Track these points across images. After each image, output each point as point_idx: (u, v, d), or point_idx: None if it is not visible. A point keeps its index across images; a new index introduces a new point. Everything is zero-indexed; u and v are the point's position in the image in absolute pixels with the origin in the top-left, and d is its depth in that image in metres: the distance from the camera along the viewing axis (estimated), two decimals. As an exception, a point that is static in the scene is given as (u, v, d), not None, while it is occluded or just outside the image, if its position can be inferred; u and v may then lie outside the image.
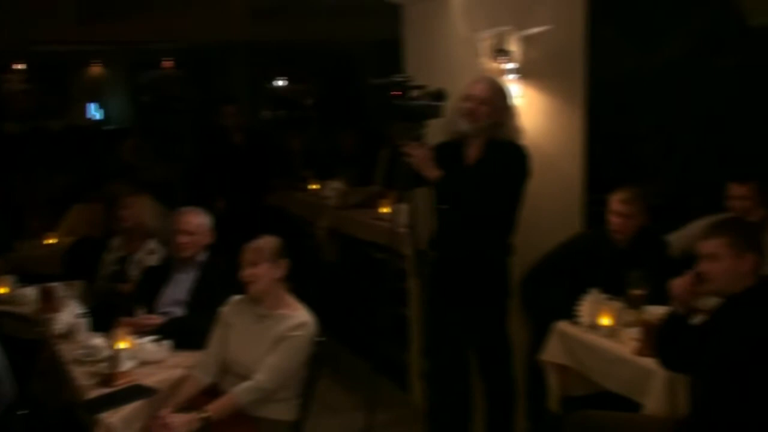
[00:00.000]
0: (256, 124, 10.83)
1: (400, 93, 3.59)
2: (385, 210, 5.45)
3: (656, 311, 3.30)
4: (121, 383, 3.20)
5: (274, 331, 3.23)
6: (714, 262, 2.76)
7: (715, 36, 6.07)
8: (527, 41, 4.10)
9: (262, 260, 3.25)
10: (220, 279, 3.76)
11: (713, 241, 2.77)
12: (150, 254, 4.58)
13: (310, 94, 12.57)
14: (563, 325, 3.67)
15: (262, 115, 12.36)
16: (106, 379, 3.22)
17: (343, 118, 9.96)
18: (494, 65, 4.11)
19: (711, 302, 2.93)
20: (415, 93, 3.62)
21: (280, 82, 12.99)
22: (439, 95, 3.62)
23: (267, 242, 3.32)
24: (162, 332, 3.58)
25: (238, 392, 3.14)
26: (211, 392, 3.25)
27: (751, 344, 2.64)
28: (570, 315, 3.64)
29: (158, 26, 8.49)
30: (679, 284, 2.87)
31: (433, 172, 3.64)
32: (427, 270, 3.87)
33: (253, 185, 6.54)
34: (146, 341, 3.48)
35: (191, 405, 3.15)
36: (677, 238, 4.14)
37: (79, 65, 12.61)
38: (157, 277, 4.06)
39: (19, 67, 12.22)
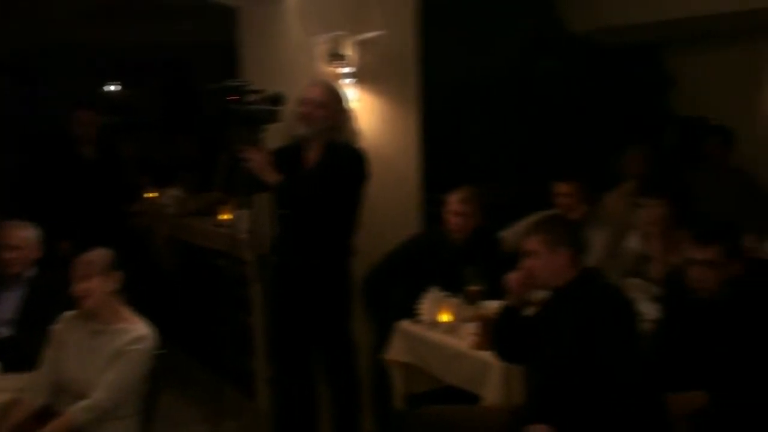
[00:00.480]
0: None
1: (237, 97, 3.56)
2: (225, 216, 5.36)
3: (492, 306, 3.44)
4: (-58, 412, 2.99)
5: (111, 347, 3.11)
6: (534, 258, 2.93)
7: (539, 41, 6.41)
8: (362, 46, 4.18)
9: (94, 274, 3.12)
10: (50, 295, 3.58)
11: (531, 238, 2.96)
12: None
13: (145, 99, 12.16)
14: (405, 324, 3.76)
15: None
16: (-74, 409, 3.00)
17: (180, 124, 9.72)
18: (330, 69, 4.16)
19: (541, 295, 3.09)
20: (252, 97, 3.59)
21: (113, 87, 12.49)
22: (277, 99, 3.62)
23: (98, 255, 3.20)
24: (-12, 354, 3.38)
25: (75, 412, 3.01)
26: (45, 415, 3.09)
27: (575, 333, 2.81)
28: (411, 313, 3.73)
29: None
30: (512, 278, 3.01)
31: (272, 177, 3.63)
32: (269, 275, 3.86)
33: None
34: (-30, 365, 3.27)
35: (23, 430, 2.99)
36: (509, 235, 4.35)
37: None
38: (-20, 296, 3.81)
39: None
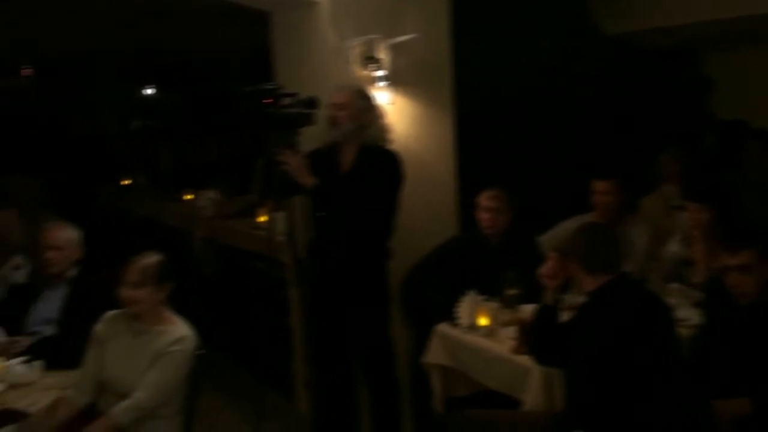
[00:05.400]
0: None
1: (272, 101, 3.59)
2: (262, 219, 5.40)
3: (530, 309, 3.42)
4: (-10, 409, 3.04)
5: (153, 347, 3.14)
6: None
7: (573, 43, 6.37)
8: (395, 49, 4.19)
9: (147, 283, 3.13)
10: (92, 295, 3.63)
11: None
12: (15, 270, 4.38)
13: (180, 102, 12.28)
14: (443, 327, 3.75)
15: (132, 125, 11.99)
16: (-27, 405, 3.05)
17: (215, 127, 9.81)
18: (364, 73, 4.17)
19: (577, 299, 3.08)
20: (287, 101, 3.62)
21: (149, 91, 12.63)
22: (311, 103, 3.64)
23: (153, 263, 3.18)
24: (32, 353, 3.42)
25: (118, 412, 3.04)
26: (89, 413, 3.13)
27: (611, 338, 2.79)
28: (449, 317, 3.73)
29: (16, 32, 8.11)
30: (547, 266, 3.01)
31: (308, 180, 3.65)
32: (307, 278, 3.87)
33: None
34: (15, 363, 3.31)
35: (67, 428, 3.04)
36: (549, 238, 4.32)
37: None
38: (24, 295, 3.88)
39: None
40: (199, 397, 3.26)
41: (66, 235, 3.85)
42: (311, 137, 3.79)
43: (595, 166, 4.81)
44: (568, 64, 6.37)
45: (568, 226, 4.09)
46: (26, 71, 12.41)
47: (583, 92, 6.30)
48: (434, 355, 3.76)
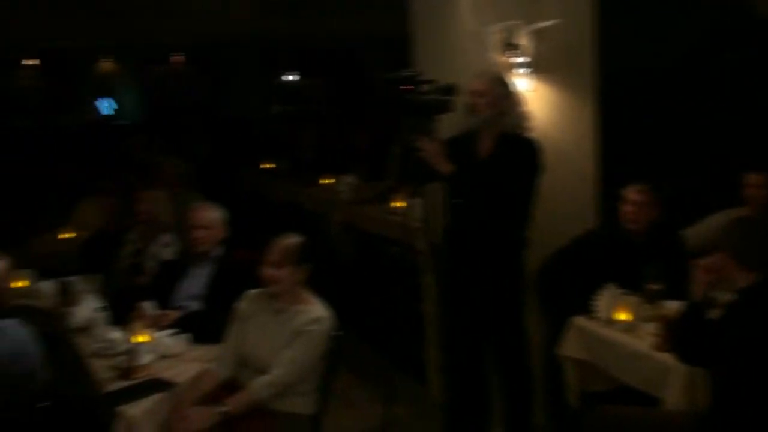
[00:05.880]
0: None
1: (411, 88, 3.60)
2: (398, 205, 5.45)
3: (673, 306, 3.29)
4: (140, 377, 3.21)
5: (291, 326, 3.23)
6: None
7: (724, 29, 6.04)
8: (537, 35, 4.09)
9: (287, 263, 3.23)
10: (235, 274, 3.77)
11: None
12: (165, 247, 4.61)
13: (321, 88, 12.56)
14: (580, 320, 3.67)
15: (273, 110, 12.37)
16: (125, 373, 3.23)
17: (354, 113, 9.96)
18: (503, 59, 4.11)
19: (727, 296, 2.93)
20: (425, 87, 3.62)
21: (291, 77, 12.98)
22: (449, 90, 3.63)
23: (294, 244, 3.28)
24: (179, 326, 3.60)
25: (256, 386, 3.15)
26: (229, 386, 3.25)
27: (764, 336, 2.64)
28: (587, 309, 3.64)
29: (168, 22, 8.51)
30: (710, 260, 2.89)
31: (445, 167, 3.64)
32: (442, 265, 3.87)
33: None
34: (164, 335, 3.49)
35: (210, 399, 3.16)
36: (694, 233, 4.14)
37: (90, 61, 12.61)
38: (173, 271, 4.07)
39: (31, 62, 12.24)
40: (335, 376, 3.32)
41: (212, 216, 4.02)
42: (449, 124, 3.78)
43: (747, 158, 4.56)
44: (721, 49, 6.05)
45: (716, 221, 3.90)
46: (177, 58, 13.04)
47: (737, 79, 5.96)
48: (569, 347, 3.68)
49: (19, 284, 4.35)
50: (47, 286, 4.40)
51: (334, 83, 12.21)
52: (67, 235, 5.89)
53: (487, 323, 3.81)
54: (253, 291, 3.39)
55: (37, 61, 12.24)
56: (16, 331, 2.86)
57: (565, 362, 3.71)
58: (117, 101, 13.05)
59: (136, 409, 2.99)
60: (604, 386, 3.61)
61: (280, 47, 11.59)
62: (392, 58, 4.65)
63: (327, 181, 6.90)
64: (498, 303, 3.77)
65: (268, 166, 8.30)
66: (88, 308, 3.83)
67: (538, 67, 4.14)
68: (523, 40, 4.10)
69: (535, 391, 4.00)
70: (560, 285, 4.05)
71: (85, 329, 3.72)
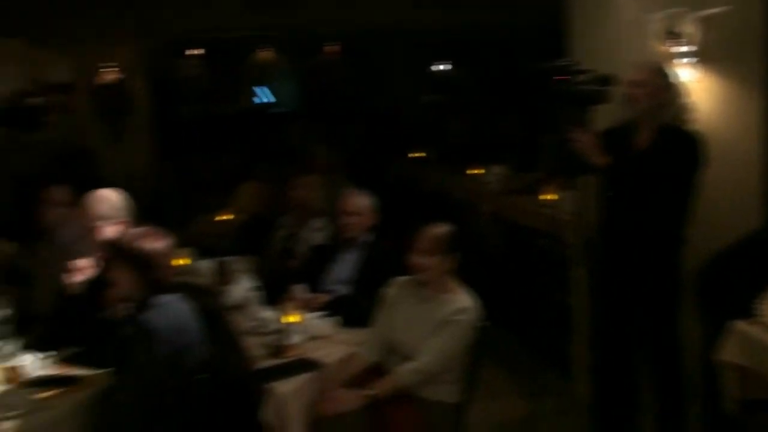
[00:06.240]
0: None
1: (566, 77, 3.51)
2: (549, 197, 5.36)
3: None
4: (290, 356, 3.32)
5: (438, 314, 3.24)
6: None
7: None
8: (703, 23, 3.88)
9: (436, 252, 3.24)
10: (384, 260, 3.82)
11: None
12: (316, 232, 4.73)
13: (471, 78, 12.49)
14: (742, 324, 3.46)
15: (423, 99, 12.43)
16: (276, 351, 3.35)
17: (505, 103, 9.85)
18: (664, 49, 3.93)
19: None
20: (581, 77, 3.53)
21: (441, 67, 12.99)
22: (606, 80, 3.53)
23: (443, 233, 3.28)
24: (329, 309, 3.69)
25: (402, 373, 3.18)
26: (376, 370, 3.30)
27: None
28: (749, 314, 3.43)
29: (325, 12, 8.70)
30: None
31: (600, 159, 3.55)
32: (594, 259, 3.77)
33: None
34: (314, 317, 3.59)
35: (356, 382, 3.22)
36: None
37: (250, 50, 13.10)
38: (323, 256, 4.18)
39: (195, 52, 12.85)
40: (480, 367, 3.31)
41: (363, 202, 4.09)
42: (604, 116, 3.66)
43: None
44: None
45: None
46: (332, 48, 13.35)
47: None
48: (729, 352, 3.48)
49: (180, 262, 4.60)
50: (205, 265, 4.62)
51: (484, 72, 12.11)
52: (225, 218, 6.18)
53: (639, 323, 3.67)
54: (401, 278, 3.42)
55: (200, 51, 12.83)
56: (178, 306, 3.03)
57: (723, 368, 3.52)
58: (273, 90, 13.50)
59: (285, 387, 3.10)
60: (766, 394, 3.40)
61: (432, 37, 11.61)
62: (544, 48, 4.55)
63: (476, 171, 6.86)
64: (652, 303, 3.63)
65: (417, 155, 8.35)
66: (243, 287, 4.00)
67: (704, 57, 3.94)
68: (688, 28, 3.90)
69: (689, 396, 3.82)
70: (721, 287, 3.83)
71: (240, 307, 3.89)
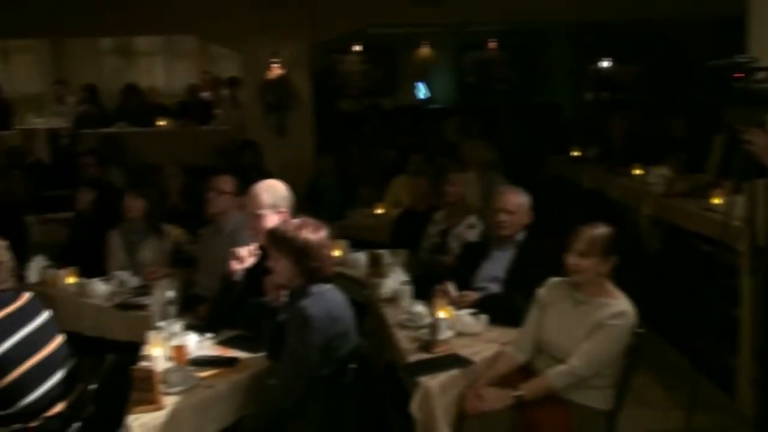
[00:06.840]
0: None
1: (743, 75, 3.30)
2: (717, 201, 5.12)
3: None
4: (440, 351, 3.33)
5: (592, 318, 3.15)
6: None
7: None
8: None
9: (593, 253, 3.15)
10: (538, 259, 3.75)
11: None
12: (470, 229, 4.72)
13: (636, 75, 12.08)
14: None
15: (586, 97, 12.15)
16: (426, 345, 3.37)
17: (670, 101, 9.45)
18: None
19: None
20: (760, 75, 3.31)
21: (605, 64, 12.63)
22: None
23: (602, 234, 3.18)
24: (479, 306, 3.67)
25: (553, 375, 3.12)
26: (524, 371, 3.26)
27: None
28: None
29: (483, 10, 8.68)
30: None
31: None
32: (764, 268, 3.54)
33: None
34: (464, 313, 3.59)
35: (504, 381, 3.19)
36: None
37: (409, 47, 13.26)
38: (476, 253, 4.17)
39: (357, 48, 13.17)
40: (633, 374, 3.19)
41: (518, 200, 4.04)
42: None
43: None
44: None
45: None
46: (491, 44, 13.31)
47: None
48: None
49: (335, 253, 4.74)
50: (359, 257, 4.72)
51: (649, 70, 11.67)
52: (380, 211, 6.29)
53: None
54: (556, 279, 3.35)
55: (361, 47, 13.14)
56: (333, 295, 3.12)
57: None
58: (432, 85, 13.60)
59: (434, 381, 3.11)
60: None
61: (594, 33, 11.32)
62: (718, 42, 4.31)
63: (637, 172, 6.63)
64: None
65: (576, 153, 8.18)
66: (395, 281, 4.05)
67: None
68: None
69: None
70: None
71: (392, 300, 3.95)
